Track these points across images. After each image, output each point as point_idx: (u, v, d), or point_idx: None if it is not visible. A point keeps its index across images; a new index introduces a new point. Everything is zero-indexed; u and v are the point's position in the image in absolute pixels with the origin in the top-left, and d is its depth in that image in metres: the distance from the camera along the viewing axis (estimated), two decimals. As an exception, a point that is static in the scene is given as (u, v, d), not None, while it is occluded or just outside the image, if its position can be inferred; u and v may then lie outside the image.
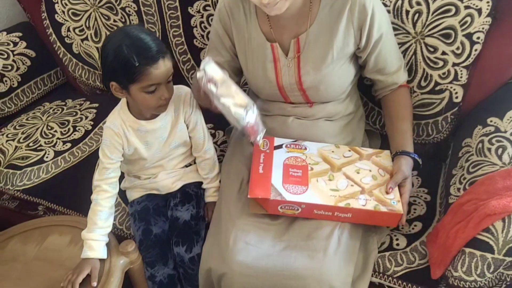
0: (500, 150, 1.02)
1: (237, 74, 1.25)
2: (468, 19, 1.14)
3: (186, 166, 1.27)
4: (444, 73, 1.20)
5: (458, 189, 1.05)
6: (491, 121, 1.11)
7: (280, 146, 1.15)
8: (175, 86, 1.14)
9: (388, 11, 1.20)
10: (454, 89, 1.21)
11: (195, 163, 1.29)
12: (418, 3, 1.18)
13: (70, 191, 1.39)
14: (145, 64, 0.99)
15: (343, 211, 1.01)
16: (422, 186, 1.24)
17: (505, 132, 1.06)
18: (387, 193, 1.04)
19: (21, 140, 1.58)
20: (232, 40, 1.17)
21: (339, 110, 1.19)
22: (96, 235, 1.10)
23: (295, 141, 1.17)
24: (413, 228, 1.13)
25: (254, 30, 1.13)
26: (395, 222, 1.04)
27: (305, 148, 1.14)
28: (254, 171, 1.07)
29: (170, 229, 1.20)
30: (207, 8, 1.46)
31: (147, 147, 1.17)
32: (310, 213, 1.03)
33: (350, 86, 1.18)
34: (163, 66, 1.01)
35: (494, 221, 0.87)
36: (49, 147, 1.54)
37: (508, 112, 1.09)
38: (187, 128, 1.20)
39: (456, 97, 1.21)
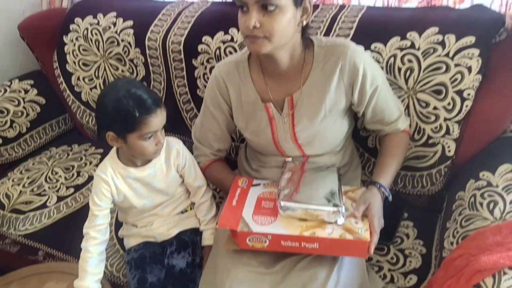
0: (491, 205, 1.04)
1: (230, 133, 1.32)
2: (459, 76, 1.19)
3: (182, 212, 1.30)
4: (436, 127, 1.24)
5: (452, 243, 1.05)
6: (483, 175, 1.13)
7: (258, 184, 1.19)
8: (166, 138, 1.20)
9: (381, 67, 1.25)
10: (447, 143, 1.24)
11: (191, 209, 1.32)
12: (410, 61, 1.23)
13: (70, 237, 1.41)
14: (144, 113, 1.06)
15: (309, 241, 0.99)
16: (418, 238, 1.25)
17: (497, 186, 1.07)
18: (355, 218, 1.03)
19: (26, 185, 1.62)
20: (228, 104, 1.24)
21: (334, 161, 1.22)
22: (87, 282, 1.12)
23: (274, 181, 1.19)
24: (408, 282, 1.13)
25: (250, 91, 1.18)
26: (364, 251, 1.00)
27: None
28: (228, 203, 1.10)
29: (166, 277, 1.20)
30: (210, 60, 1.53)
31: (136, 195, 1.21)
32: (278, 245, 1.02)
33: (344, 139, 1.22)
34: (160, 115, 1.10)
35: (484, 277, 0.87)
36: (53, 192, 1.58)
37: (500, 166, 1.11)
38: (182, 177, 1.26)
39: (449, 151, 1.24)
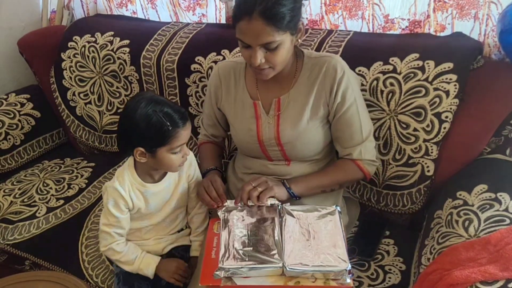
0: (466, 223, 1.07)
1: (221, 125, 1.39)
2: (437, 100, 1.25)
3: (178, 231, 1.31)
4: (416, 148, 1.29)
5: (428, 259, 1.08)
6: (460, 194, 1.17)
7: None
8: None
9: (365, 90, 1.31)
10: (426, 163, 1.29)
11: (186, 228, 1.33)
12: (392, 84, 1.29)
13: (57, 247, 1.43)
14: (176, 126, 1.08)
15: None
16: (398, 255, 1.28)
17: (472, 205, 1.11)
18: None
19: (16, 196, 1.65)
20: (217, 97, 1.32)
21: (315, 170, 1.27)
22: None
23: None
24: (387, 297, 1.15)
25: (242, 91, 1.27)
26: None
27: None
28: (207, 256, 1.08)
29: (152, 290, 1.22)
30: (202, 79, 1.59)
31: (149, 209, 1.21)
32: None
33: (325, 149, 1.27)
34: (189, 127, 1.13)
35: (456, 291, 0.90)
36: (43, 203, 1.60)
37: (476, 187, 1.15)
38: (188, 188, 1.27)
39: (428, 171, 1.29)
